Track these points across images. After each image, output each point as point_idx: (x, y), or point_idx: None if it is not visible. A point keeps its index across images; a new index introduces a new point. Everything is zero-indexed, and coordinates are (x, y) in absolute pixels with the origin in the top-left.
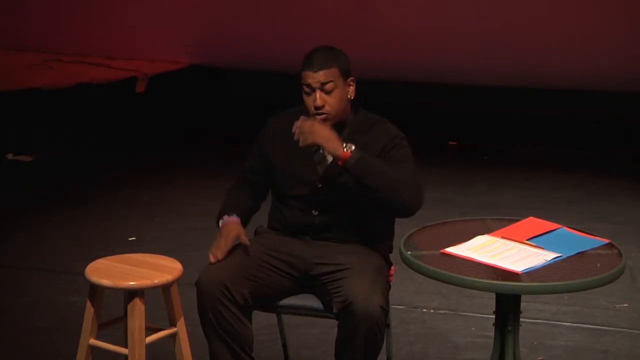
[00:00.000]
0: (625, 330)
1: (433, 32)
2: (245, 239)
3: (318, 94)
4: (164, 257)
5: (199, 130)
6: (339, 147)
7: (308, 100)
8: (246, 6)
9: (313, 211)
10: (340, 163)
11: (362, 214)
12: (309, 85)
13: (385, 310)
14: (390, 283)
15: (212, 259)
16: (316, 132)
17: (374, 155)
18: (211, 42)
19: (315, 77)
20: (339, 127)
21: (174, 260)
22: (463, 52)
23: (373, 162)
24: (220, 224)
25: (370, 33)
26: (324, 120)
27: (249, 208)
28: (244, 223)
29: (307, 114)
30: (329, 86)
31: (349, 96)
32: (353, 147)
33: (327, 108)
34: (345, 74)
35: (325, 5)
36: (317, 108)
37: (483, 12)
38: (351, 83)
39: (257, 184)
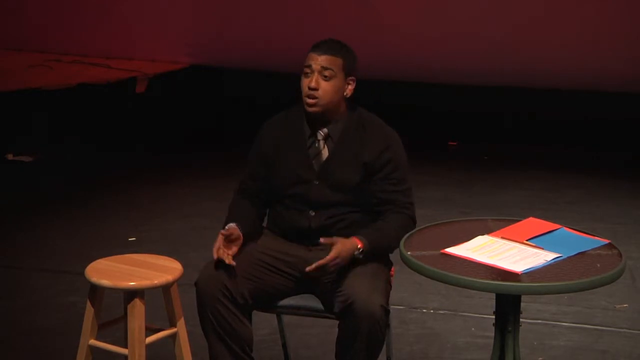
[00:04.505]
0: (625, 330)
1: (433, 32)
2: (234, 233)
3: (316, 76)
4: (164, 257)
5: (199, 130)
6: (353, 249)
7: (304, 81)
8: (246, 6)
9: (310, 212)
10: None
11: (360, 213)
12: (309, 66)
13: (386, 309)
14: (391, 284)
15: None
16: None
17: (368, 158)
18: (211, 42)
19: (317, 60)
20: (332, 122)
21: (174, 260)
22: (463, 52)
23: (379, 243)
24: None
25: (370, 33)
26: (313, 105)
27: (254, 219)
28: (249, 233)
29: (297, 115)
30: (328, 73)
31: (345, 93)
32: (365, 242)
33: (319, 93)
34: (347, 70)
35: (325, 5)
36: (310, 89)
37: (483, 12)
38: (351, 82)
39: (259, 192)
